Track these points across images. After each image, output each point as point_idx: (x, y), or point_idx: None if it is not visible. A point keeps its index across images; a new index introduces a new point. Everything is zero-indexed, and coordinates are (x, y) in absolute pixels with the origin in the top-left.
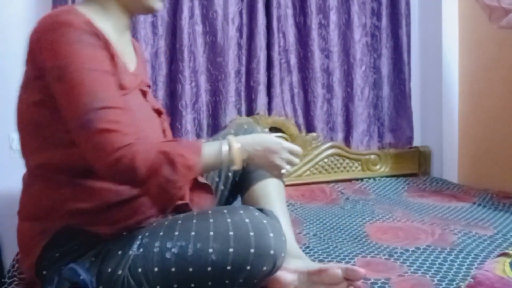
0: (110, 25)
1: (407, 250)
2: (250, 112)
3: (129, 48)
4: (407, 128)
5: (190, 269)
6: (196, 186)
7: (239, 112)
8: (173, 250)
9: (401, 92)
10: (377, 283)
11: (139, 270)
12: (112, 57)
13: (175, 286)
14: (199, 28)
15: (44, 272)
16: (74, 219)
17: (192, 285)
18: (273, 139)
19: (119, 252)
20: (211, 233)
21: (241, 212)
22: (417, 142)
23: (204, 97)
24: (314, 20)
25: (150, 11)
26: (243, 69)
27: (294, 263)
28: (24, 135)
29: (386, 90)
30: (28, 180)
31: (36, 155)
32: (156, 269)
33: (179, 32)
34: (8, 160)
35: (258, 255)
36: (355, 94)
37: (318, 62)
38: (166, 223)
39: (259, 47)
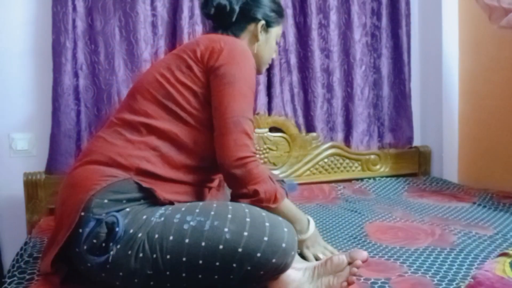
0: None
1: (407, 250)
2: None
3: None
4: (407, 128)
5: (203, 243)
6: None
7: None
8: (191, 223)
9: (401, 92)
10: (377, 283)
11: (156, 236)
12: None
13: (184, 259)
14: (199, 28)
15: (83, 214)
16: (140, 176)
17: (200, 261)
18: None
19: (144, 217)
20: (229, 215)
21: (259, 208)
22: (417, 142)
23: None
24: (314, 20)
25: (258, 73)
26: None
27: (301, 262)
28: (154, 102)
29: (386, 90)
30: (123, 131)
31: (160, 121)
32: (171, 238)
33: (179, 32)
34: (8, 160)
35: (270, 245)
36: (355, 94)
37: (318, 62)
38: (188, 204)
39: None
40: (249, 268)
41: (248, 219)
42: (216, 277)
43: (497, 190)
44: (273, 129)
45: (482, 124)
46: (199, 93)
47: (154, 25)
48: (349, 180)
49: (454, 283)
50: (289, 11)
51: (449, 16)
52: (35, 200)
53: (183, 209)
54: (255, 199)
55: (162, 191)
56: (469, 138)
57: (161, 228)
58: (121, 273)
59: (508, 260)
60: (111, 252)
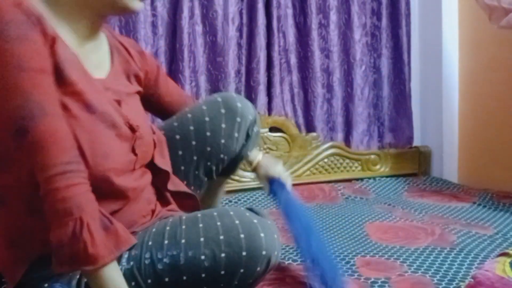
0: (68, 29)
1: (407, 250)
2: None
3: (98, 55)
4: (407, 128)
5: (184, 277)
6: (179, 195)
7: None
8: (164, 260)
9: (401, 92)
10: (377, 282)
11: (132, 283)
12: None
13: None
14: (199, 28)
15: None
16: (50, 248)
17: None
18: None
19: None
20: (202, 239)
21: (231, 213)
22: (417, 142)
23: (204, 97)
24: (314, 20)
25: (127, 11)
26: (243, 69)
27: None
28: None
29: (386, 90)
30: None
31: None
32: (149, 281)
33: (179, 32)
34: None
35: (250, 257)
36: (355, 94)
37: (318, 62)
38: (153, 230)
39: (259, 47)
40: (236, 283)
41: (221, 237)
42: None
43: (497, 190)
44: (273, 129)
45: (482, 124)
46: None
47: (154, 25)
48: (349, 180)
49: (454, 282)
50: (289, 11)
51: (449, 16)
52: None
53: (149, 243)
54: (61, 250)
55: None
56: (469, 138)
57: (134, 275)
58: None
59: (508, 260)
60: None
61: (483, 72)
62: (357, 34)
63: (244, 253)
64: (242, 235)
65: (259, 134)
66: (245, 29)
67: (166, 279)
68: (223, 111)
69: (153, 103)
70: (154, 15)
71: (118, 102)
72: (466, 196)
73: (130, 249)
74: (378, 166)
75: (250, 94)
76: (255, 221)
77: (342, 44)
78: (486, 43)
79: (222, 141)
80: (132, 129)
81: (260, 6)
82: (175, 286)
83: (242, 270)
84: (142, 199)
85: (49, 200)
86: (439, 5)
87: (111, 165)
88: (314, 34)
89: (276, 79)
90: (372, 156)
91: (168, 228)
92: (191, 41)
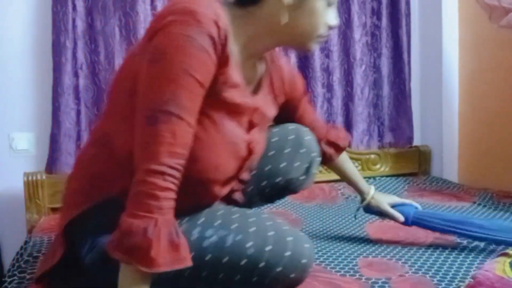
0: (242, 39)
1: (409, 250)
2: None
3: (252, 75)
4: (407, 127)
5: (225, 259)
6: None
7: None
8: (212, 238)
9: (401, 92)
10: (377, 283)
11: None
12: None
13: (204, 274)
14: None
15: (73, 236)
16: (125, 196)
17: (220, 275)
18: None
19: None
20: (253, 229)
21: (281, 220)
22: (417, 141)
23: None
24: None
25: (304, 49)
26: None
27: None
28: (114, 103)
29: (386, 90)
30: (97, 144)
31: (118, 127)
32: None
33: None
34: (8, 160)
35: (291, 260)
36: (355, 94)
37: (318, 62)
38: (206, 210)
39: None
40: (267, 281)
41: (271, 233)
42: None
43: (497, 190)
44: None
45: (482, 124)
46: None
47: None
48: None
49: (454, 283)
50: None
51: (449, 16)
52: (35, 200)
53: (201, 220)
54: (124, 237)
55: None
56: (469, 138)
57: None
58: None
59: (508, 260)
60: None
61: (483, 72)
62: (357, 33)
63: (287, 253)
64: (289, 238)
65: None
66: None
67: (207, 258)
68: (291, 137)
69: (285, 121)
70: (154, 15)
71: (254, 125)
72: (466, 196)
73: (180, 223)
74: (378, 166)
75: None
76: (301, 234)
77: (342, 43)
78: (486, 43)
79: (282, 164)
80: (250, 151)
81: None
82: (212, 267)
83: (279, 269)
84: None
85: (140, 188)
86: (439, 5)
87: (217, 176)
88: None
89: None
90: (372, 156)
91: (221, 211)
92: None
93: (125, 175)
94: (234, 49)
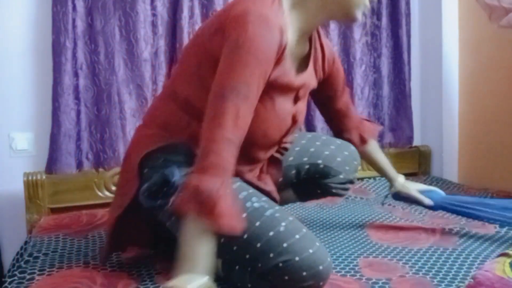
0: (298, 24)
1: (409, 251)
2: None
3: (301, 52)
4: (407, 127)
5: (257, 223)
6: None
7: None
8: (255, 204)
9: (401, 92)
10: (378, 283)
11: None
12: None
13: None
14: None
15: (145, 170)
16: (192, 141)
17: (245, 236)
18: None
19: None
20: (291, 218)
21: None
22: (417, 141)
23: None
24: None
25: (351, 20)
26: None
27: None
28: (185, 67)
29: (386, 90)
30: (169, 99)
31: (191, 90)
32: None
33: (179, 31)
34: (8, 160)
35: (310, 258)
36: (355, 94)
37: None
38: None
39: None
40: (280, 265)
41: (304, 230)
42: (247, 256)
43: (497, 190)
44: None
45: (482, 124)
46: None
47: (154, 25)
48: None
49: (454, 283)
50: None
51: (449, 16)
52: (35, 200)
53: (250, 191)
54: (194, 194)
55: None
56: (469, 138)
57: None
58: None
59: (508, 260)
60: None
61: (483, 72)
62: (357, 33)
63: (310, 251)
64: (317, 243)
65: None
66: None
67: (244, 215)
68: (338, 141)
69: (322, 104)
70: (154, 15)
71: (299, 98)
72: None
73: (233, 183)
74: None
75: None
76: (327, 253)
77: (342, 43)
78: (486, 43)
79: (326, 152)
80: (294, 121)
81: None
82: (245, 224)
83: (296, 259)
84: None
85: (208, 152)
86: (439, 5)
87: (264, 142)
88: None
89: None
90: None
91: (267, 198)
92: None
93: (191, 124)
94: (290, 38)
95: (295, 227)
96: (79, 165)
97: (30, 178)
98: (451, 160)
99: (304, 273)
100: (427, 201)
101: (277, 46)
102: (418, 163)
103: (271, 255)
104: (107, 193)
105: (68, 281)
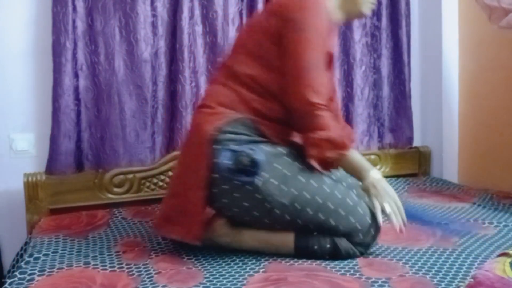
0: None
1: (410, 251)
2: None
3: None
4: (407, 128)
5: (301, 180)
6: None
7: None
8: (302, 169)
9: (401, 92)
10: (377, 282)
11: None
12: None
13: (296, 192)
14: (199, 28)
15: (215, 146)
16: (256, 116)
17: (332, 207)
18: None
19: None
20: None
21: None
22: (417, 142)
23: None
24: None
25: (361, 16)
26: None
27: None
28: (245, 51)
29: (386, 90)
30: (229, 81)
31: (251, 68)
32: (289, 173)
33: (179, 32)
34: (8, 160)
35: (353, 222)
36: (355, 94)
37: None
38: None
39: None
40: (358, 226)
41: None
42: (331, 221)
43: (497, 190)
44: None
45: (482, 124)
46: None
47: (154, 26)
48: None
49: (454, 283)
50: None
51: (449, 16)
52: (35, 201)
53: (301, 167)
54: (326, 145)
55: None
56: (469, 138)
57: (283, 166)
58: (257, 195)
59: (508, 260)
60: (257, 177)
61: (483, 72)
62: (357, 34)
63: (369, 221)
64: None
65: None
66: None
67: (299, 177)
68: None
69: None
70: (154, 16)
71: (330, 61)
72: (466, 196)
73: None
74: (378, 167)
75: None
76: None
77: (342, 44)
78: (486, 43)
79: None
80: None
81: (260, 6)
82: (299, 188)
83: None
84: None
85: (314, 113)
86: (439, 5)
87: (329, 104)
88: None
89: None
90: (372, 157)
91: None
92: (191, 41)
93: (255, 101)
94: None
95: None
96: (79, 165)
97: (30, 179)
98: (451, 160)
99: (372, 230)
100: None
101: (328, 24)
102: (418, 164)
103: (351, 218)
104: (107, 193)
105: (68, 281)
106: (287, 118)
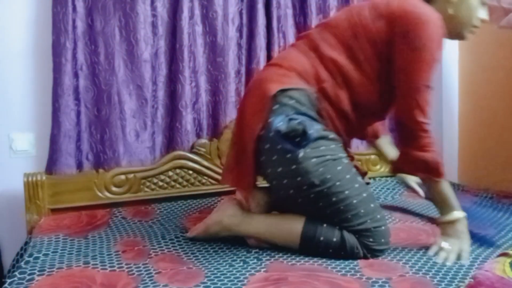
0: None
1: (409, 251)
2: None
3: None
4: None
5: (364, 194)
6: None
7: None
8: (359, 179)
9: None
10: (378, 282)
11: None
12: None
13: (329, 176)
14: (199, 28)
15: (276, 106)
16: (321, 94)
17: (354, 201)
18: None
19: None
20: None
21: None
22: None
23: (204, 97)
24: (314, 20)
25: (461, 39)
26: (243, 69)
27: None
28: (337, 33)
29: None
30: (310, 52)
31: (337, 54)
32: (330, 158)
33: (179, 32)
34: (8, 160)
35: (388, 231)
36: None
37: None
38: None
39: (259, 47)
40: (372, 228)
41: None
42: (348, 216)
43: (497, 190)
44: None
45: (482, 124)
46: (378, 45)
47: (154, 25)
48: None
49: (454, 283)
50: (289, 11)
51: None
52: (35, 201)
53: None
54: (420, 166)
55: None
56: (469, 138)
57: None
58: (293, 166)
59: (508, 260)
60: (302, 149)
61: (483, 73)
62: None
63: (387, 226)
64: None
65: None
66: (245, 30)
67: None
68: None
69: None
70: (154, 15)
71: None
72: (466, 196)
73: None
74: (378, 166)
75: None
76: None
77: None
78: (486, 43)
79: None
80: None
81: (260, 6)
82: (330, 172)
83: (382, 228)
84: None
85: (419, 133)
86: None
87: None
88: None
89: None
90: (372, 156)
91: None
92: (191, 41)
93: (327, 81)
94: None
95: (363, 193)
96: (79, 165)
97: (30, 178)
98: (451, 160)
99: (383, 240)
100: (419, 190)
101: (441, 41)
102: None
103: (368, 220)
104: (107, 193)
105: (68, 281)
106: (349, 112)
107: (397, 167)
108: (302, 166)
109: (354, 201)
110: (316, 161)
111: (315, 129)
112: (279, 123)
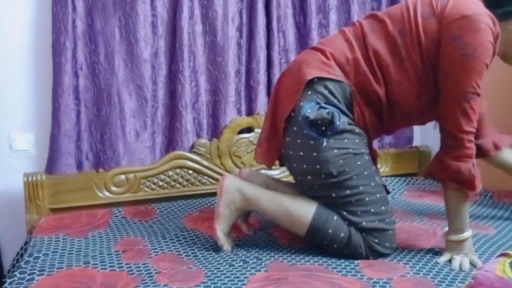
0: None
1: (410, 251)
2: (250, 111)
3: None
4: (407, 128)
5: (378, 195)
6: None
7: (239, 112)
8: (377, 179)
9: None
10: (378, 283)
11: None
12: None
13: (347, 169)
14: (199, 28)
15: (309, 92)
16: (357, 89)
17: (367, 198)
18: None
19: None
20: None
21: None
22: (417, 142)
23: (204, 97)
24: (314, 20)
25: (505, 59)
26: (243, 69)
27: None
28: (384, 27)
29: None
30: (355, 43)
31: (381, 47)
32: (352, 152)
33: (179, 32)
34: (8, 160)
35: (395, 236)
36: None
37: None
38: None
39: (259, 47)
40: (379, 229)
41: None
42: (358, 212)
43: (497, 190)
44: None
45: None
46: (423, 44)
47: (154, 25)
48: None
49: (454, 283)
50: (289, 11)
51: None
52: (35, 200)
53: (373, 168)
54: (455, 176)
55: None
56: None
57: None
58: (314, 153)
59: (508, 260)
60: (326, 139)
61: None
62: None
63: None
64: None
65: None
66: (245, 29)
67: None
68: None
69: None
70: (154, 15)
71: None
72: None
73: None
74: (378, 166)
75: (250, 94)
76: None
77: None
78: None
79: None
80: None
81: (260, 6)
82: (347, 166)
83: (390, 232)
84: None
85: (462, 142)
86: None
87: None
88: (314, 34)
89: (276, 79)
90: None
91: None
92: (191, 41)
93: (366, 75)
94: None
95: (377, 191)
96: (79, 165)
97: (30, 178)
98: None
99: (387, 244)
100: None
101: (492, 49)
102: (418, 163)
103: (377, 220)
104: (107, 193)
105: (68, 280)
106: (383, 109)
107: (430, 172)
108: (323, 154)
109: (367, 199)
110: (337, 153)
111: (342, 121)
112: (309, 109)
